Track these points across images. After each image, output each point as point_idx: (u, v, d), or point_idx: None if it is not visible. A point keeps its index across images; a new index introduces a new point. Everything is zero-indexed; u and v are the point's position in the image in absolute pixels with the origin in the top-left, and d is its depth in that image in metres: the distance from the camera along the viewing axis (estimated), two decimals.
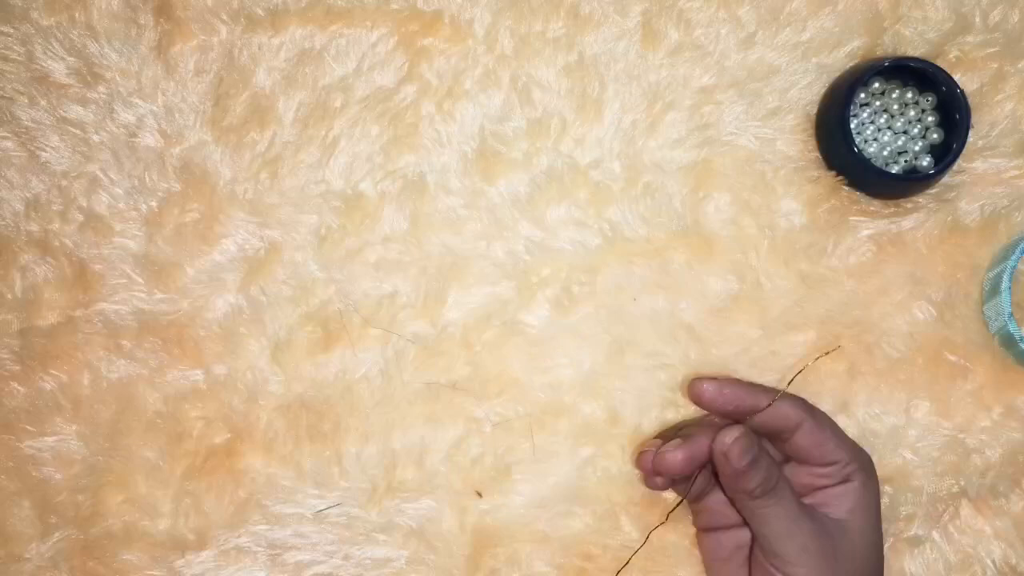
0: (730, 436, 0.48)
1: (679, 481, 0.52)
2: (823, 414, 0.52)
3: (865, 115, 0.56)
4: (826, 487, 0.50)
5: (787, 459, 0.52)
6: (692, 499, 0.52)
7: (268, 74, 0.56)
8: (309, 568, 0.55)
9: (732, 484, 0.49)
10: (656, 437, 0.54)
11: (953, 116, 0.54)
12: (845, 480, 0.50)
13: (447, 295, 0.56)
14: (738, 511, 0.50)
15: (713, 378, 0.51)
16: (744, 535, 0.52)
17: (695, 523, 0.54)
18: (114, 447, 0.55)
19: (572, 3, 0.56)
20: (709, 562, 0.54)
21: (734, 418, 0.50)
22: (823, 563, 0.48)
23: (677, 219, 0.56)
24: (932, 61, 0.55)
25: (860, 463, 0.51)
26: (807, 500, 0.50)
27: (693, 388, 0.51)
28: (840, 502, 0.50)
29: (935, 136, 0.55)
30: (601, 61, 0.56)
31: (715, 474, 0.50)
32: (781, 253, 0.56)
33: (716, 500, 0.52)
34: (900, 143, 0.55)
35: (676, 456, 0.49)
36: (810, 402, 0.51)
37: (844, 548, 0.49)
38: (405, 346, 0.55)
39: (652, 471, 0.51)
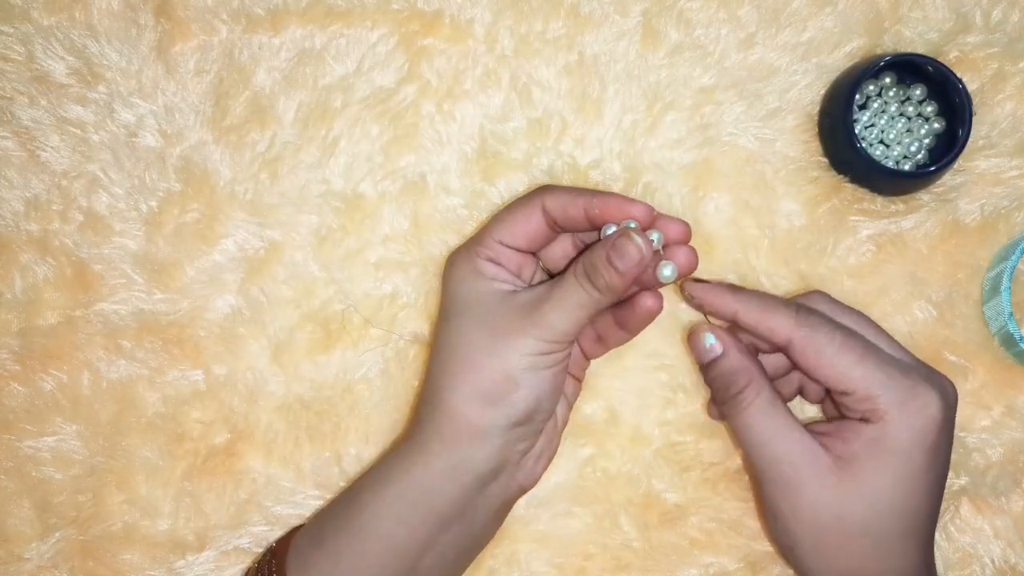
0: (696, 331, 0.49)
1: None
2: (847, 330, 0.47)
3: (868, 113, 0.56)
4: (845, 418, 0.47)
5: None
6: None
7: (268, 74, 0.56)
8: None
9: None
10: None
11: (954, 109, 0.54)
12: (865, 418, 0.46)
13: None
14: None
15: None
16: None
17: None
18: (114, 447, 0.55)
19: (572, 3, 0.56)
20: None
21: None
22: (789, 484, 0.46)
23: None
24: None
25: (901, 404, 0.46)
26: (819, 427, 0.48)
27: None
28: (850, 439, 0.46)
29: (937, 126, 0.55)
30: (601, 61, 0.56)
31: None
32: (781, 253, 0.56)
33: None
34: (904, 139, 0.55)
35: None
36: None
37: (819, 486, 0.46)
38: (405, 346, 0.55)
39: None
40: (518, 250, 0.50)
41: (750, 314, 0.48)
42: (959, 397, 0.48)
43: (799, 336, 0.47)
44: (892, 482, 0.46)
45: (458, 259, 0.50)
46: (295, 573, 0.48)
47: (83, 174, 0.56)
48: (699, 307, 0.50)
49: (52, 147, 0.56)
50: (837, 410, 0.49)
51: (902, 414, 0.46)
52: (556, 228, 0.50)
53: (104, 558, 0.54)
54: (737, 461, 0.55)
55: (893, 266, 0.56)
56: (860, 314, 0.50)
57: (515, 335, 0.46)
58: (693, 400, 0.55)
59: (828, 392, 0.50)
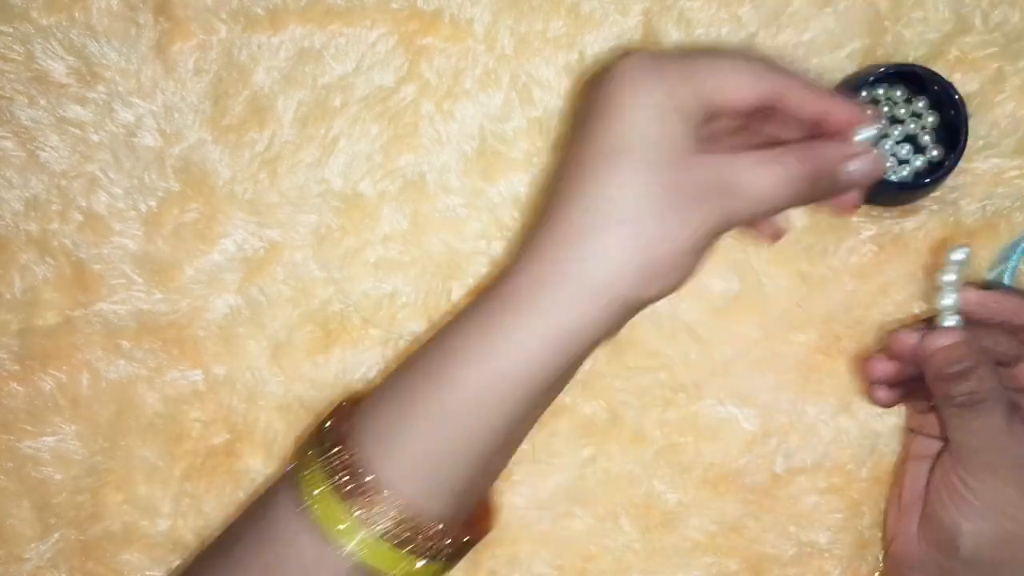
0: (940, 341, 0.46)
1: (914, 395, 0.50)
2: None
3: None
4: None
5: None
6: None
7: (267, 73, 0.56)
8: None
9: (934, 388, 0.47)
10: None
11: (949, 118, 0.53)
12: None
13: (447, 295, 0.56)
14: (938, 414, 0.48)
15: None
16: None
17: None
18: (113, 447, 0.55)
19: (572, 2, 0.56)
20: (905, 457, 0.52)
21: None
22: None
23: None
24: (933, 62, 0.55)
25: None
26: None
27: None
28: None
29: (933, 133, 0.55)
30: (602, 60, 0.56)
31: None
32: (782, 253, 0.56)
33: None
34: (900, 150, 0.55)
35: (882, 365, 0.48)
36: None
37: None
38: (405, 346, 0.55)
39: (870, 379, 0.50)
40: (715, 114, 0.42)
41: None
42: None
43: None
44: None
45: (662, 73, 0.41)
46: (380, 459, 0.42)
47: (82, 174, 0.56)
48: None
49: (51, 147, 0.56)
50: None
51: None
52: (763, 111, 0.43)
53: (103, 558, 0.54)
54: (738, 461, 0.55)
55: (894, 266, 0.56)
56: None
57: (698, 204, 0.40)
58: (694, 400, 0.55)
59: None
